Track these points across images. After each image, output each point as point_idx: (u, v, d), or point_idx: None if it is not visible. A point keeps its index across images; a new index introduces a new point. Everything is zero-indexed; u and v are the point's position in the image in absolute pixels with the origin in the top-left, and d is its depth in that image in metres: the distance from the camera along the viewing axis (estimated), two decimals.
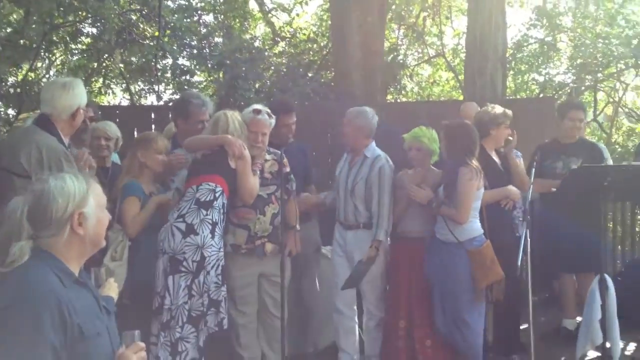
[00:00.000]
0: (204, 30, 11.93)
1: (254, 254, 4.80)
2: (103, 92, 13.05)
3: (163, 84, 11.83)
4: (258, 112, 4.84)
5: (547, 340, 5.75)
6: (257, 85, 10.41)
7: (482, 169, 4.80)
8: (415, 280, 4.96)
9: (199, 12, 12.25)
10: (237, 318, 4.83)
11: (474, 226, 4.77)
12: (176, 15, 11.06)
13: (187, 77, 11.17)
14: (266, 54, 12.24)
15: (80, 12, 10.65)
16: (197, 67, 11.19)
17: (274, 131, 5.02)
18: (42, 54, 11.47)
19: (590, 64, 11.59)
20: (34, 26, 10.09)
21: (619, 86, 13.33)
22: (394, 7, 13.01)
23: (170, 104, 10.48)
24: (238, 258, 4.80)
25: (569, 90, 12.20)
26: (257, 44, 12.71)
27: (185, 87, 11.13)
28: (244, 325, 4.87)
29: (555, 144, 6.07)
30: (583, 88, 12.49)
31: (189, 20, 11.41)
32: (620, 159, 9.82)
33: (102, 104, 12.20)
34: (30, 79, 11.37)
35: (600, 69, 11.78)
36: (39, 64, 12.31)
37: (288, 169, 4.96)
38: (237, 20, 13.18)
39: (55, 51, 12.06)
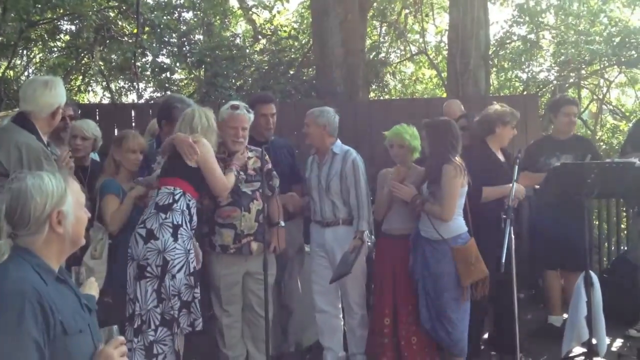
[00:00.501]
0: (184, 27, 11.82)
1: (241, 253, 4.77)
2: (83, 90, 12.92)
3: (144, 81, 11.72)
4: (236, 107, 4.84)
5: (533, 337, 5.71)
6: (238, 83, 10.33)
7: (485, 166, 4.77)
8: (400, 278, 4.95)
9: (179, 9, 12.15)
10: (222, 318, 4.87)
11: (459, 223, 4.75)
12: (155, 12, 10.94)
13: (168, 75, 11.05)
14: (247, 51, 12.18)
15: (57, 9, 10.51)
16: (178, 64, 11.08)
17: (254, 125, 5.02)
18: (20, 51, 11.33)
19: (573, 61, 11.63)
20: (10, 23, 9.94)
21: (602, 83, 13.39)
22: (375, 4, 12.96)
23: (152, 102, 10.37)
24: (223, 257, 4.80)
25: (552, 88, 12.23)
26: (237, 41, 12.64)
27: (166, 85, 11.04)
28: (229, 325, 4.88)
29: (550, 140, 6.08)
30: (567, 85, 12.52)
31: (168, 17, 11.30)
32: (604, 156, 9.83)
33: (83, 102, 12.07)
34: (8, 77, 11.22)
35: (584, 66, 11.82)
36: (17, 62, 12.16)
37: (270, 166, 4.95)
38: (218, 17, 13.08)
39: (33, 49, 11.92)
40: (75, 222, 2.33)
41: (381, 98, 13.24)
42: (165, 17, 11.07)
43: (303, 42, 12.86)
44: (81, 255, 4.33)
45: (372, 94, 12.59)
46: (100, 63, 11.95)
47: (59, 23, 11.36)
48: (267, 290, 4.49)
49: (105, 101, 13.29)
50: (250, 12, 14.59)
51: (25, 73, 12.53)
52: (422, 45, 14.23)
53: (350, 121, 7.43)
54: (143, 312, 4.21)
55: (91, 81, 12.97)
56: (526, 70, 12.99)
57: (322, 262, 5.19)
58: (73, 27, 11.47)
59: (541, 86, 12.42)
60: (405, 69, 15.51)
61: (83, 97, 12.84)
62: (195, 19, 12.52)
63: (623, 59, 11.16)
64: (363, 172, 5.09)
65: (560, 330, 5.39)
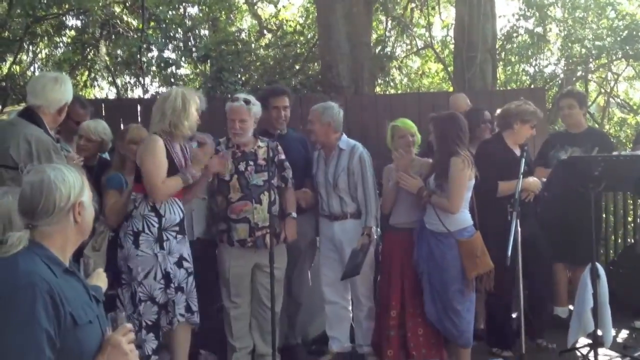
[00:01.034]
0: (189, 22, 11.82)
1: (257, 247, 4.79)
2: (89, 86, 12.93)
3: (149, 77, 11.73)
4: (235, 99, 4.86)
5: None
6: (243, 78, 10.33)
7: (498, 160, 4.73)
8: (406, 271, 4.97)
9: (184, 4, 12.14)
10: (230, 310, 4.92)
11: (465, 216, 4.74)
12: (160, 7, 10.94)
13: (173, 70, 11.06)
14: (253, 46, 12.16)
15: (63, 5, 10.53)
16: (183, 59, 11.08)
17: (264, 116, 5.05)
18: (26, 47, 11.35)
19: (581, 55, 11.58)
20: (16, 19, 9.97)
21: (610, 77, 13.32)
22: None
23: (158, 97, 10.34)
24: (232, 249, 4.82)
25: (559, 82, 12.18)
26: (243, 36, 12.63)
27: (172, 80, 11.04)
28: (237, 317, 4.94)
29: (564, 134, 6.07)
30: (574, 79, 12.47)
31: (173, 12, 11.30)
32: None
33: (89, 98, 12.08)
34: (14, 72, 11.25)
35: (591, 59, 11.76)
36: (24, 57, 12.19)
37: (283, 156, 4.98)
38: (223, 12, 13.07)
39: (39, 44, 11.94)
40: (90, 214, 2.41)
41: (387, 92, 13.20)
42: (170, 12, 11.08)
43: (309, 36, 12.84)
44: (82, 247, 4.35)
45: (378, 89, 12.55)
46: (106, 58, 11.97)
47: (64, 18, 11.37)
48: (273, 282, 4.50)
49: (111, 96, 13.29)
50: (256, 7, 14.57)
51: (31, 68, 12.57)
52: (429, 39, 14.17)
53: (356, 116, 7.42)
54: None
55: (97, 76, 12.97)
56: (533, 64, 12.93)
57: (332, 255, 5.22)
58: (79, 23, 11.49)
59: (548, 80, 12.36)
60: (412, 63, 15.46)
61: (89, 92, 12.84)
62: (201, 14, 12.53)
63: (631, 52, 11.11)
64: (370, 167, 5.10)
65: (566, 321, 5.39)
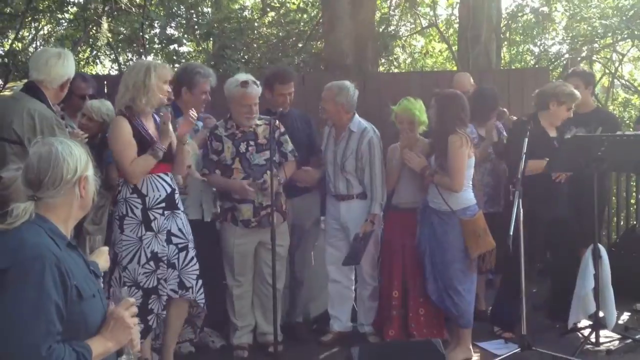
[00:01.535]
0: None
1: (262, 226, 4.78)
2: (91, 62, 12.87)
3: (152, 54, 11.65)
4: (246, 84, 4.80)
5: (540, 310, 5.70)
6: (246, 56, 10.27)
7: (534, 141, 4.71)
8: (409, 251, 4.99)
9: None
10: (233, 288, 4.95)
11: (468, 195, 4.74)
12: None
13: (176, 47, 11.00)
14: (255, 24, 12.07)
15: None
16: (185, 36, 11.01)
17: (268, 97, 5.08)
18: (28, 23, 11.29)
19: (586, 35, 11.49)
20: None
21: (615, 57, 13.24)
22: None
23: None
24: (237, 228, 4.84)
25: (564, 62, 12.11)
26: (246, 13, 12.53)
27: (174, 57, 10.97)
28: (239, 295, 4.97)
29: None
30: (579, 59, 12.39)
31: None
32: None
33: (91, 74, 12.02)
34: (16, 48, 11.20)
35: (597, 39, 11.68)
36: (25, 34, 12.13)
37: (282, 130, 4.96)
38: None
39: (41, 20, 11.87)
40: (93, 189, 2.41)
41: (390, 71, 13.14)
42: None
43: (312, 14, 12.75)
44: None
45: (381, 68, 12.49)
46: (108, 35, 11.89)
47: None
48: (274, 260, 4.50)
49: (114, 74, 13.23)
50: None
51: (33, 45, 12.51)
52: (433, 18, 14.09)
53: (360, 94, 7.34)
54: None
55: (99, 53, 12.91)
56: (538, 43, 12.85)
57: (337, 234, 5.24)
58: None
59: (553, 60, 12.29)
60: (416, 42, 15.36)
61: (91, 69, 12.80)
62: None
63: (636, 32, 11.03)
64: (379, 151, 5.08)
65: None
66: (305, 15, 12.70)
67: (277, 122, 4.83)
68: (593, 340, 4.83)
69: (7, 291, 2.09)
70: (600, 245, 4.93)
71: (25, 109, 3.98)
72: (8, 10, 10.15)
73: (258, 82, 4.89)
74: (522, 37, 12.84)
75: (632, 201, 7.50)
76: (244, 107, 4.79)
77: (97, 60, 12.96)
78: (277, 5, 13.50)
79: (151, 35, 11.02)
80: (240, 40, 10.04)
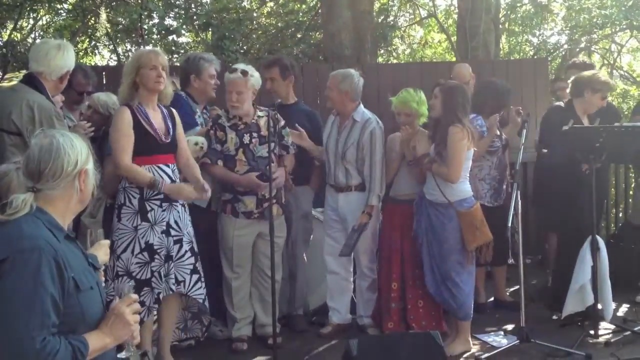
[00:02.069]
0: None
1: (264, 218, 4.76)
2: (90, 53, 12.85)
3: (150, 44, 11.63)
4: (232, 70, 4.81)
5: (537, 300, 5.72)
6: (245, 47, 10.24)
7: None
8: (407, 242, 4.99)
9: None
10: (231, 280, 4.94)
11: (465, 187, 4.73)
12: None
13: (174, 38, 10.97)
14: (254, 14, 12.03)
15: None
16: (184, 27, 10.98)
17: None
18: (27, 13, 11.25)
19: (584, 25, 11.47)
20: None
21: (614, 48, 13.21)
22: None
23: None
24: (237, 220, 4.84)
25: (563, 52, 12.09)
26: (245, 4, 12.49)
27: (173, 48, 10.95)
28: (238, 287, 4.96)
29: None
30: (578, 50, 12.37)
31: None
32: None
33: (90, 65, 12.00)
34: (14, 38, 11.18)
35: (595, 30, 11.66)
36: (24, 24, 12.09)
37: (282, 122, 4.96)
38: None
39: (40, 10, 11.84)
40: (92, 182, 2.41)
41: (389, 62, 13.12)
42: None
43: (311, 4, 12.72)
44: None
45: (380, 58, 12.47)
46: (107, 25, 11.86)
47: None
48: (273, 252, 4.50)
49: (112, 64, 13.21)
50: None
51: (32, 35, 12.48)
52: (432, 8, 14.05)
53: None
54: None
55: (98, 44, 12.88)
56: (537, 34, 12.83)
57: (335, 226, 5.24)
58: None
59: (552, 51, 12.27)
60: (414, 32, 15.33)
61: (90, 60, 12.77)
62: None
63: (635, 23, 11.01)
64: (381, 143, 5.05)
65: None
66: (304, 6, 12.68)
67: (277, 114, 4.83)
68: (592, 332, 4.84)
69: (4, 282, 2.10)
70: (598, 237, 4.94)
71: (25, 100, 3.98)
72: (6, 0, 10.10)
73: (250, 73, 4.80)
74: (520, 27, 12.81)
75: (631, 192, 7.50)
76: (227, 94, 4.81)
77: (96, 51, 12.94)
78: None
79: (150, 25, 10.97)
80: (239, 30, 10.01)
